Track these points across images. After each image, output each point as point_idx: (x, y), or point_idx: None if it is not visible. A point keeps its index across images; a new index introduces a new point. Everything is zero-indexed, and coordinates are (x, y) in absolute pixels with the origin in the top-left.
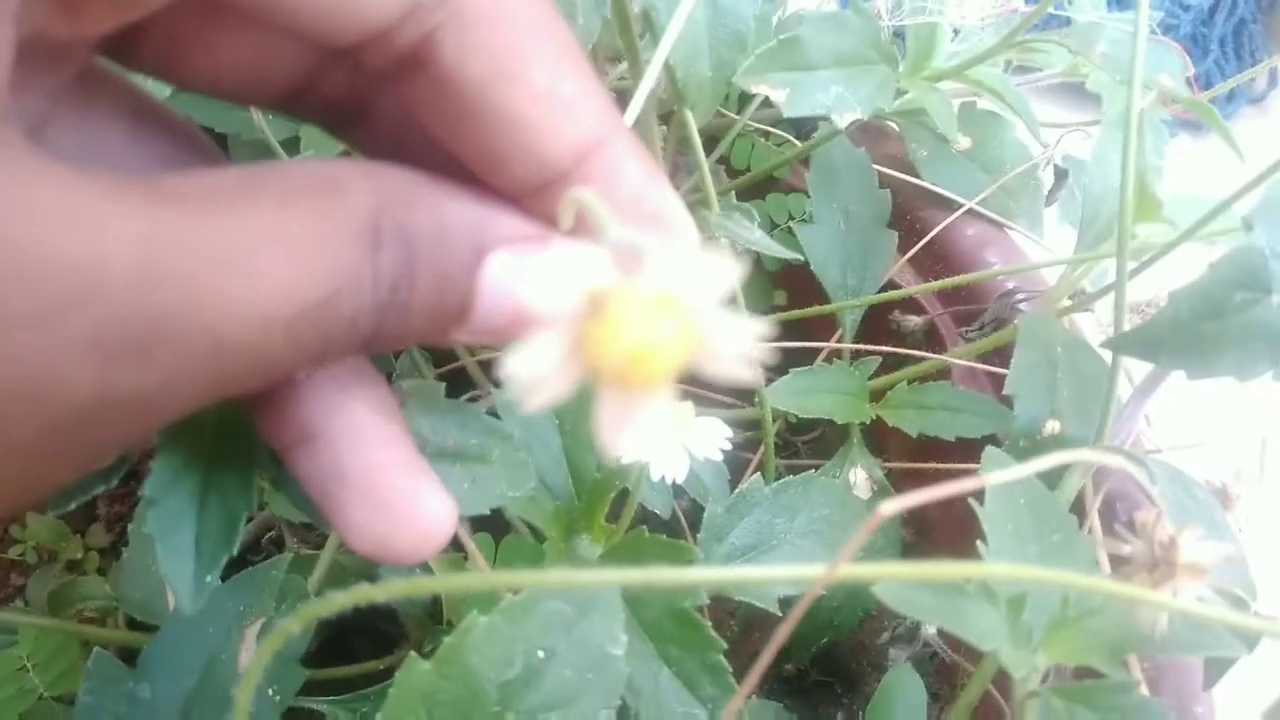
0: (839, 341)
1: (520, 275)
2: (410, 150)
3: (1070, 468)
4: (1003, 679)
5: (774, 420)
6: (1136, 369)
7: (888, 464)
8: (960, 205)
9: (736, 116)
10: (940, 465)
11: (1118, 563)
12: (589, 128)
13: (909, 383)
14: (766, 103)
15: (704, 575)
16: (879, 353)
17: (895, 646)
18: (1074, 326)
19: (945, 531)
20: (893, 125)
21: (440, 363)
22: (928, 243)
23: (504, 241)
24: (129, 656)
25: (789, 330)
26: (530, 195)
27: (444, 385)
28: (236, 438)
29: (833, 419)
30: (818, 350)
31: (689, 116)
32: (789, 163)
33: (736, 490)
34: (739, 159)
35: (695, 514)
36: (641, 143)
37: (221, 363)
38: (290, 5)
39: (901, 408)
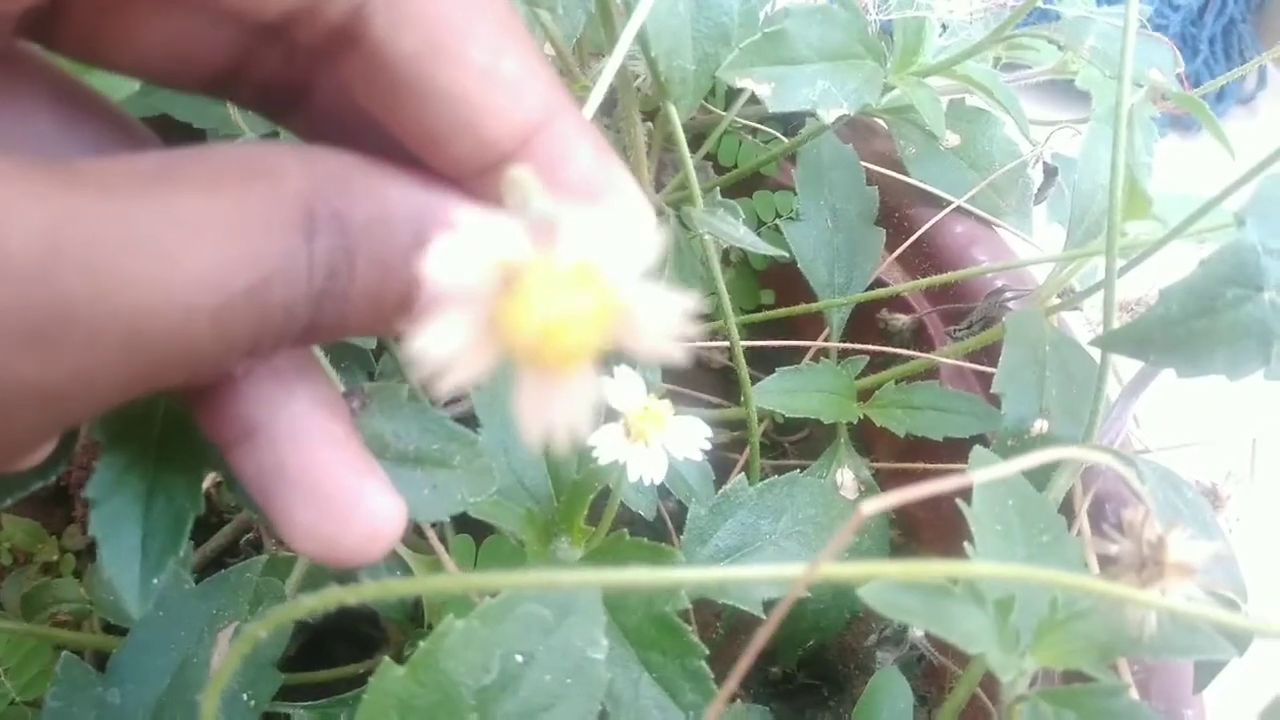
0: (826, 341)
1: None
2: (351, 135)
3: (1058, 468)
4: (990, 682)
5: (760, 420)
6: (1125, 368)
7: (875, 464)
8: (949, 203)
9: (723, 114)
10: (928, 465)
11: (1106, 563)
12: (533, 106)
13: (896, 382)
14: (753, 99)
15: (685, 575)
16: (866, 352)
17: (882, 649)
18: (1062, 325)
19: (933, 533)
20: (880, 123)
21: None
22: (916, 241)
23: (448, 227)
24: (105, 661)
25: (776, 330)
26: (475, 178)
27: (407, 387)
28: (184, 436)
29: (820, 419)
30: (804, 350)
31: (673, 112)
32: (775, 159)
33: (721, 491)
34: (726, 156)
35: (681, 515)
36: (591, 125)
37: (140, 354)
38: None
39: (889, 407)
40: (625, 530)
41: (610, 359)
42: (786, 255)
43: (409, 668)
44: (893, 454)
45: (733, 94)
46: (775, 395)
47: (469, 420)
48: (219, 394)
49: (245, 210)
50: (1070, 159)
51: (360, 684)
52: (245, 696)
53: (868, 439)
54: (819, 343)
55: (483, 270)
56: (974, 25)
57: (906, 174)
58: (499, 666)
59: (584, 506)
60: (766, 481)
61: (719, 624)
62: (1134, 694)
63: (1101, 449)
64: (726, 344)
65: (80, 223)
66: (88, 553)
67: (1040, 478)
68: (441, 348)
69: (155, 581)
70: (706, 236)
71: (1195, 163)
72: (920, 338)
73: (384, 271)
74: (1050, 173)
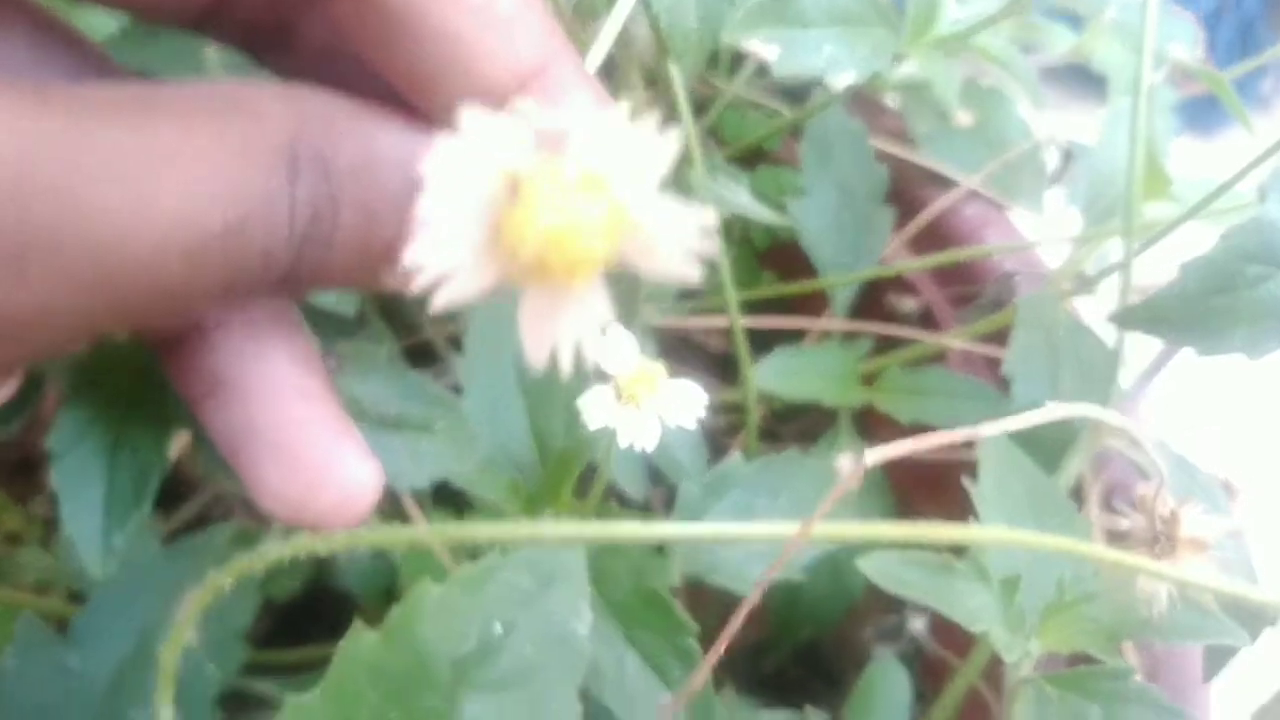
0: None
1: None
2: (338, 77)
3: (1069, 454)
4: (991, 674)
5: (758, 406)
6: (1139, 356)
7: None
8: (959, 184)
9: (725, 86)
10: (934, 451)
11: (1116, 539)
12: (530, 50)
13: (902, 366)
14: (758, 73)
15: (671, 531)
16: (871, 334)
17: (880, 643)
18: (1075, 312)
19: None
20: (889, 102)
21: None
22: (926, 224)
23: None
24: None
25: (777, 311)
26: None
27: (385, 349)
28: (152, 389)
29: (821, 402)
30: (806, 332)
31: (676, 76)
32: (780, 133)
33: (715, 468)
34: (728, 130)
35: (673, 502)
36: (589, 73)
37: (108, 288)
38: None
39: (894, 392)
40: (613, 502)
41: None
42: (790, 229)
43: (382, 634)
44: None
45: (736, 66)
46: (775, 376)
47: (456, 391)
48: (190, 343)
49: (225, 146)
50: (1086, 146)
51: None
52: (211, 667)
53: (870, 427)
54: (822, 323)
55: (487, 175)
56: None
57: (916, 155)
58: (477, 635)
59: (571, 477)
60: (764, 459)
61: (707, 611)
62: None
63: (1114, 415)
64: (724, 323)
65: (53, 147)
66: (55, 522)
67: (1050, 464)
68: (442, 256)
69: (117, 540)
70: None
71: (1213, 165)
72: (928, 323)
73: (370, 218)
74: (1066, 156)
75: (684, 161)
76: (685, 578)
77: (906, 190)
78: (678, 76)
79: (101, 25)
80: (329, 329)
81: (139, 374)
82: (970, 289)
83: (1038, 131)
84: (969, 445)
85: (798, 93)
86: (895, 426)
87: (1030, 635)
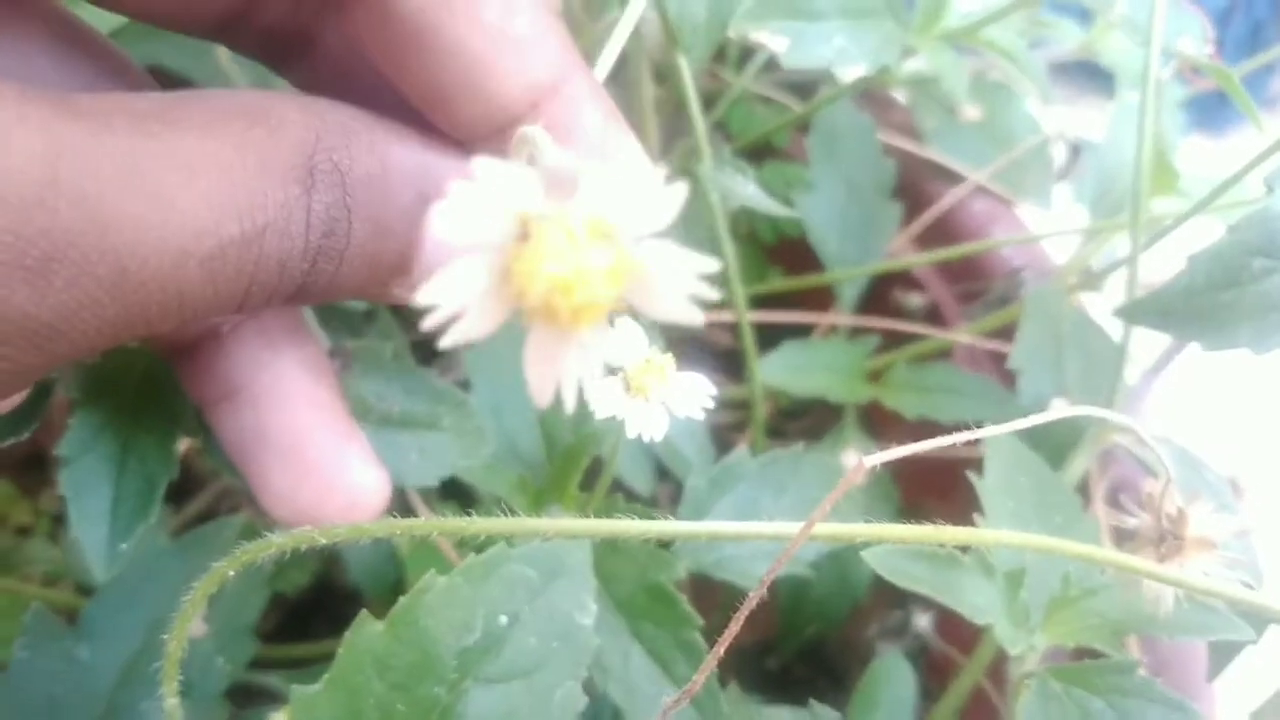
0: (837, 318)
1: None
2: (356, 89)
3: (1075, 450)
4: (996, 671)
5: (765, 403)
6: (1146, 353)
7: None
8: (967, 179)
9: (734, 80)
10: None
11: (1122, 538)
12: (545, 68)
13: (908, 363)
14: (766, 68)
15: (676, 528)
16: (878, 330)
17: (884, 641)
18: (1082, 308)
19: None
20: (897, 97)
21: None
22: (933, 220)
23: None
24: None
25: (783, 308)
26: (483, 140)
27: (391, 346)
28: (161, 396)
29: (827, 398)
30: (813, 328)
31: (683, 65)
32: (788, 127)
33: (721, 463)
34: (736, 125)
35: (679, 498)
36: (601, 89)
37: (129, 295)
38: None
39: (900, 389)
40: (619, 496)
41: (624, 319)
42: (797, 224)
43: (387, 624)
44: (902, 439)
45: (744, 61)
46: (781, 371)
47: (464, 387)
48: (203, 350)
49: (244, 156)
50: (1093, 142)
51: None
52: (220, 660)
53: (875, 424)
54: (829, 318)
55: (498, 220)
56: None
57: (924, 151)
58: (482, 627)
59: (578, 472)
60: (770, 454)
61: (716, 610)
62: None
63: (1119, 417)
64: (731, 319)
65: (78, 155)
66: (64, 517)
67: (1056, 461)
68: (453, 296)
69: (123, 546)
70: (714, 199)
71: (1223, 165)
72: (935, 320)
73: (383, 231)
74: (1074, 152)
75: (691, 154)
76: (691, 574)
77: (914, 185)
78: (686, 69)
79: (110, 15)
80: (338, 324)
81: (149, 381)
82: (977, 285)
83: (1045, 127)
84: (976, 443)
85: (806, 88)
86: (901, 423)
87: (1035, 629)
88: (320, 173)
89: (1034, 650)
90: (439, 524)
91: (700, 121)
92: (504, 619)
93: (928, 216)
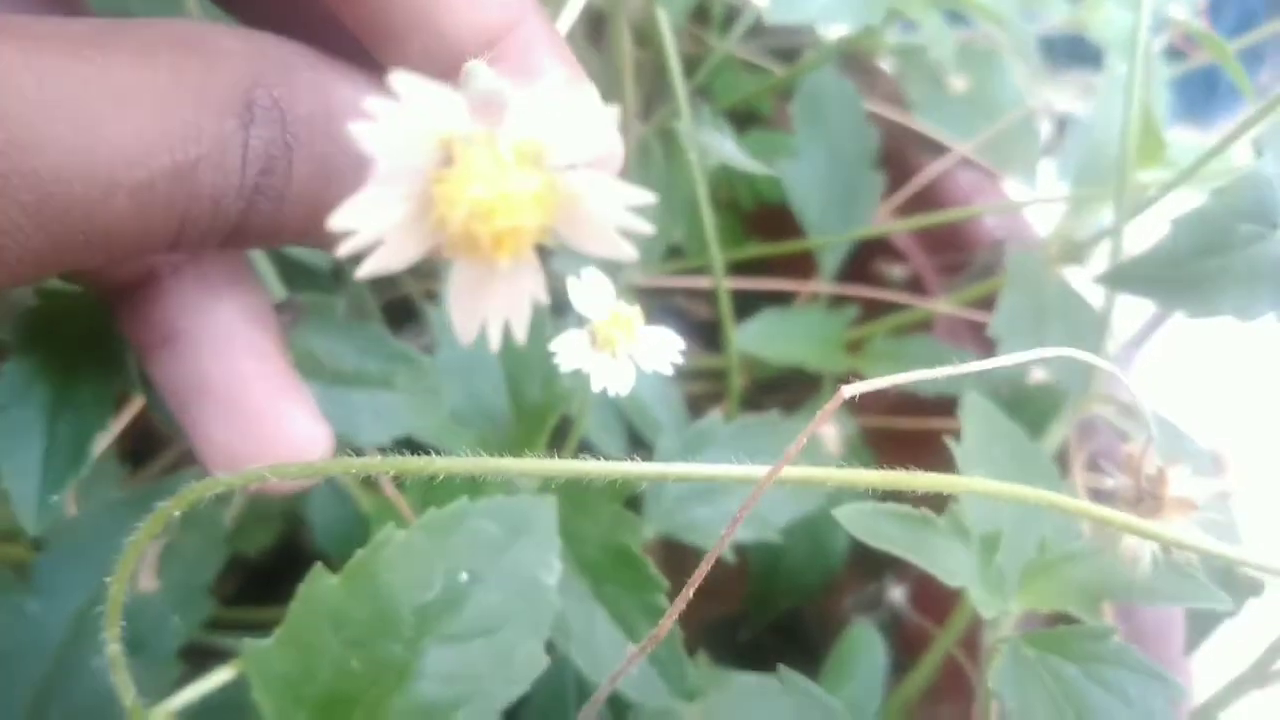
0: (817, 286)
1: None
2: (304, 27)
3: (1054, 420)
4: (969, 641)
5: (741, 374)
6: (1128, 326)
7: (862, 422)
8: (952, 150)
9: (717, 45)
10: (918, 423)
11: (1101, 499)
12: (497, 9)
13: (887, 335)
14: (752, 32)
15: (642, 469)
16: (858, 299)
17: (858, 612)
18: (1065, 279)
19: (921, 500)
20: (883, 66)
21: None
22: (917, 190)
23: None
24: None
25: (763, 274)
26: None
27: (342, 302)
28: (100, 346)
29: (804, 366)
30: (792, 296)
31: (665, 28)
32: (772, 93)
33: (694, 426)
34: (719, 90)
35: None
36: (560, 36)
37: (54, 222)
38: None
39: (878, 359)
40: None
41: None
42: (778, 189)
43: (343, 577)
44: (880, 411)
45: (728, 24)
46: (758, 338)
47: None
48: (143, 292)
49: (179, 86)
50: (1079, 118)
51: None
52: (175, 618)
53: (853, 398)
54: (809, 286)
55: (420, 142)
56: None
57: (910, 121)
58: (442, 583)
59: (544, 431)
60: (743, 419)
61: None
62: None
63: (1103, 362)
64: (708, 285)
65: (5, 77)
66: None
67: (1034, 430)
68: (370, 221)
69: (55, 498)
70: (693, 158)
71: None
72: (917, 291)
73: (325, 172)
74: (1060, 126)
75: (672, 114)
76: (660, 539)
77: (899, 155)
78: (666, 26)
79: None
80: (302, 282)
81: (89, 329)
82: (960, 257)
83: (1032, 99)
84: (953, 416)
85: (791, 54)
86: (880, 396)
87: (1010, 594)
88: (259, 108)
89: (1008, 615)
90: (397, 462)
91: (681, 84)
92: (465, 576)
93: (912, 187)
